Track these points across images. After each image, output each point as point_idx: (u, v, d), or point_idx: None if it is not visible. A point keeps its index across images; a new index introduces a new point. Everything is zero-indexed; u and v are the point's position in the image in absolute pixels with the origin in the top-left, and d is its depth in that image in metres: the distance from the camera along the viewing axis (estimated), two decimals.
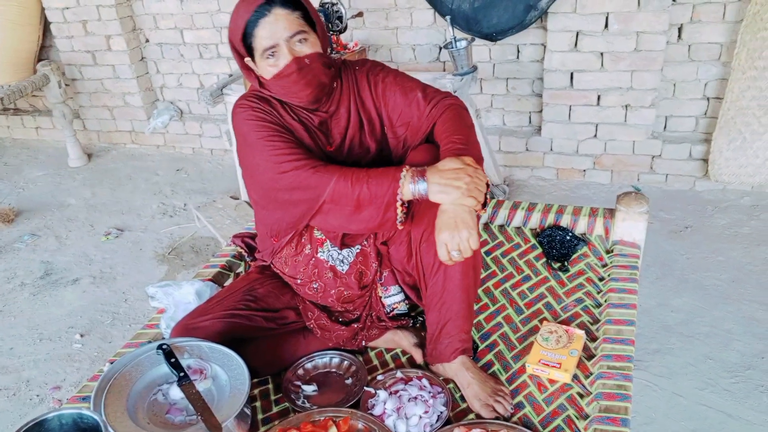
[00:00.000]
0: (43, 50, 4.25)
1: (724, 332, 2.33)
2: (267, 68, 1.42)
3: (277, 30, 1.37)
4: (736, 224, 2.94)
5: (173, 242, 3.24)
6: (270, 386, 1.58)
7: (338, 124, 1.56)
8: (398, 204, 1.34)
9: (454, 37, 2.83)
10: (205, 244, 3.20)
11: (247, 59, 1.46)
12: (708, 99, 3.11)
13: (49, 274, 3.09)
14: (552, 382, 1.50)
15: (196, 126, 4.07)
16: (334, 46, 3.01)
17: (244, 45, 1.42)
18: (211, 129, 4.04)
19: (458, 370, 1.49)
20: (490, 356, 1.61)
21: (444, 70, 3.30)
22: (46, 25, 4.10)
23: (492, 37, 3.15)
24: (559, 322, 1.66)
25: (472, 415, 1.43)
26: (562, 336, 1.58)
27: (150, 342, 1.63)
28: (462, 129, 1.47)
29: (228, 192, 3.61)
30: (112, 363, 1.57)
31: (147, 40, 4.01)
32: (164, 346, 1.45)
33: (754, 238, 2.83)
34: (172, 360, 1.41)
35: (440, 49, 3.40)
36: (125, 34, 3.89)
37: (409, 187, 1.33)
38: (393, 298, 1.64)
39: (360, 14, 3.16)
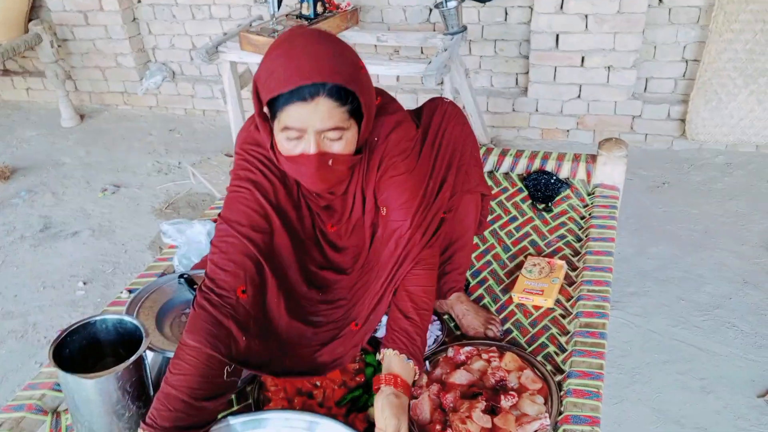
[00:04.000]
0: (34, 10, 4.24)
1: (696, 276, 2.49)
2: (282, 143, 1.21)
3: (312, 120, 1.15)
4: (710, 181, 3.09)
5: (169, 198, 3.33)
6: None
7: (344, 204, 1.40)
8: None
9: None
10: (200, 199, 3.29)
11: (266, 110, 1.22)
12: (686, 61, 3.24)
13: (48, 228, 3.17)
14: (537, 308, 1.64)
15: (189, 87, 4.12)
16: (327, 5, 3.08)
17: (267, 102, 1.19)
18: (204, 90, 4.09)
19: (454, 303, 1.62)
20: (481, 291, 1.73)
21: (434, 30, 3.39)
22: None
23: None
24: (543, 257, 1.80)
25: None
26: (544, 267, 1.72)
27: (164, 273, 1.74)
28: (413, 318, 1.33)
29: (222, 151, 3.69)
30: (130, 291, 1.69)
31: (139, 1, 4.03)
32: (185, 275, 1.57)
33: (726, 193, 2.99)
34: (194, 287, 1.52)
35: (431, 10, 3.48)
36: None
37: None
38: None
39: None
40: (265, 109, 1.21)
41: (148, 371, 1.24)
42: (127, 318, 1.24)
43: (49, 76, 4.04)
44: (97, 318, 1.23)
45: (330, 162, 1.21)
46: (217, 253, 1.25)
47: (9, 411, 1.35)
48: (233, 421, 1.21)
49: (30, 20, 4.09)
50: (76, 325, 1.20)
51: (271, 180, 1.30)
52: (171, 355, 1.29)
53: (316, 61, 1.13)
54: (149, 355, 1.33)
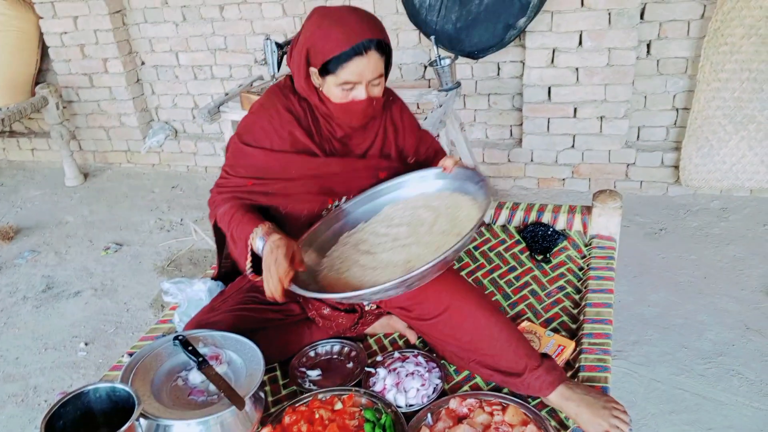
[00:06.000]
0: (41, 73, 4.37)
1: (697, 323, 2.49)
2: (336, 93, 1.52)
3: (366, 71, 1.47)
4: (706, 226, 3.12)
5: (171, 255, 3.35)
6: (278, 373, 1.69)
7: (362, 139, 1.68)
8: (248, 255, 1.50)
9: (439, 56, 3.01)
10: (202, 256, 3.32)
11: (312, 70, 1.53)
12: (677, 110, 3.32)
13: (51, 288, 3.18)
14: None
15: (191, 145, 4.21)
16: None
17: (321, 63, 1.49)
18: (206, 147, 4.17)
19: (559, 402, 1.44)
20: None
21: (429, 87, 3.48)
22: (43, 49, 4.23)
23: (474, 55, 3.33)
24: (542, 307, 1.79)
25: (466, 387, 1.56)
26: (535, 342, 1.66)
27: (164, 335, 1.74)
28: None
29: None
30: (131, 354, 1.69)
31: (143, 63, 4.16)
32: (180, 337, 1.57)
33: (723, 237, 3.01)
34: (189, 348, 1.52)
35: (425, 67, 3.58)
36: (122, 57, 4.04)
37: (257, 242, 1.47)
38: None
39: None
40: (311, 70, 1.52)
41: None
42: (119, 386, 1.23)
43: (54, 137, 4.14)
44: (90, 387, 1.22)
45: (374, 103, 1.56)
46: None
47: None
48: None
49: (37, 83, 4.21)
50: (69, 396, 1.19)
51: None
52: (166, 422, 1.29)
53: (362, 22, 1.47)
54: (143, 423, 1.32)
